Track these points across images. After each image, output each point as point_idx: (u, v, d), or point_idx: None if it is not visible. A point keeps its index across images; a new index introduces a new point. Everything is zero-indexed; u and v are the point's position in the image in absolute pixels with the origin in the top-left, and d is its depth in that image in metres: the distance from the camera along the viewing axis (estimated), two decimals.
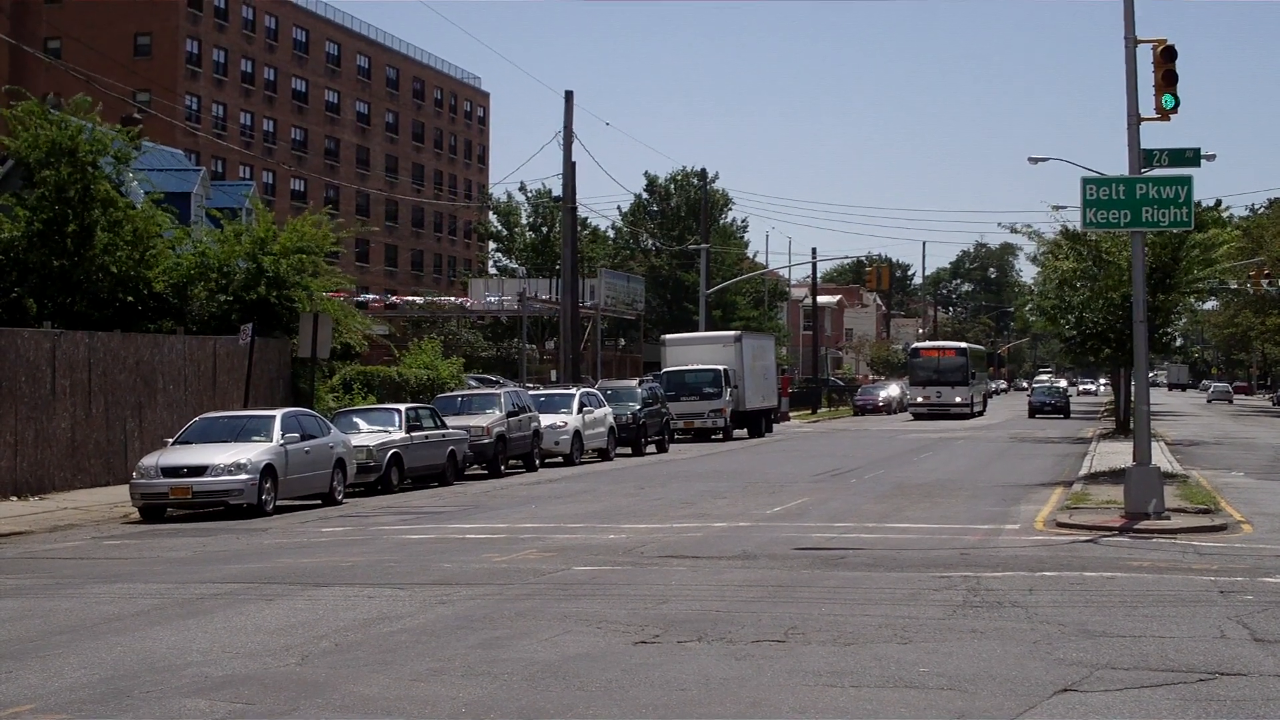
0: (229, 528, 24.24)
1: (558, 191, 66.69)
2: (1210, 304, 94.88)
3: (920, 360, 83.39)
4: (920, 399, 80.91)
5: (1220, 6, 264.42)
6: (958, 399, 79.91)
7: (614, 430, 44.04)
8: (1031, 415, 78.59)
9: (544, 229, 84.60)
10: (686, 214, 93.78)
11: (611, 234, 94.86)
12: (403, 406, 33.81)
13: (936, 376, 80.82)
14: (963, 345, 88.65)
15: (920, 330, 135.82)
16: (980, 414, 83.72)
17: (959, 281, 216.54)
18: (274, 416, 28.17)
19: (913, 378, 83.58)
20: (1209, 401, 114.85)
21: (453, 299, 79.72)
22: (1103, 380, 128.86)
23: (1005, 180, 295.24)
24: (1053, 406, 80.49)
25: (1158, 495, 22.93)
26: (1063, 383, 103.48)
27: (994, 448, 48.41)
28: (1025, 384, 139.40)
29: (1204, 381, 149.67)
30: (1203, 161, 25.01)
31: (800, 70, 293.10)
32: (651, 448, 47.36)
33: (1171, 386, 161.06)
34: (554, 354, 68.64)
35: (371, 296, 68.34)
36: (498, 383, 49.61)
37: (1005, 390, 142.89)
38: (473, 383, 48.08)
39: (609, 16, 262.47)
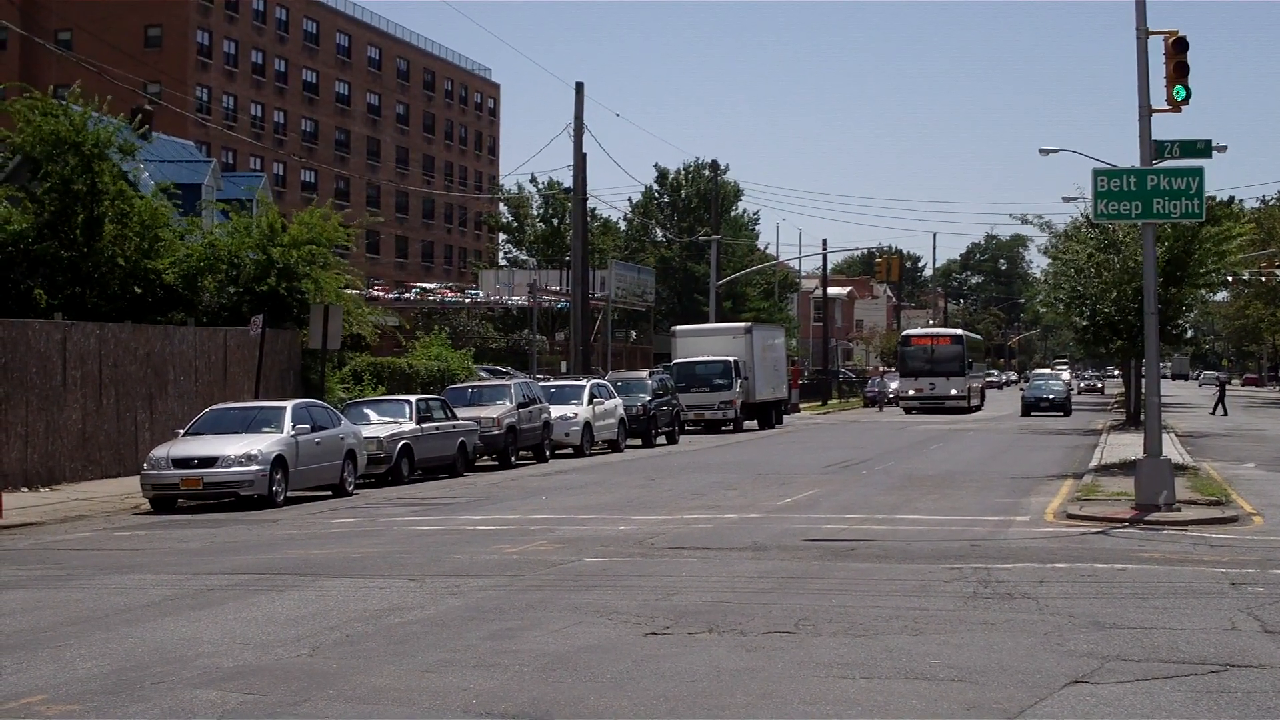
0: (239, 519, 24.27)
1: (568, 183, 66.70)
2: (1221, 295, 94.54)
3: (912, 349, 75.59)
4: (911, 391, 73.54)
5: None
6: (953, 391, 72.61)
7: (624, 421, 44.03)
8: (1025, 413, 69.22)
9: (554, 220, 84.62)
10: (697, 205, 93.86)
11: (622, 225, 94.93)
12: (413, 398, 33.78)
13: (929, 367, 73.46)
14: (958, 332, 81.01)
15: (931, 321, 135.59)
16: (978, 408, 77.11)
17: (969, 273, 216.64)
18: (285, 408, 28.16)
19: (903, 368, 75.81)
20: (1200, 387, 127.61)
21: (462, 289, 79.76)
22: (1114, 371, 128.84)
23: (1016, 172, 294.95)
24: (1050, 404, 70.21)
25: (1168, 487, 22.87)
26: (1066, 375, 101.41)
27: (1003, 439, 48.34)
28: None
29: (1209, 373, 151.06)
30: (1214, 153, 25.00)
31: (811, 62, 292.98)
32: (662, 439, 47.37)
33: (1175, 377, 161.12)
34: (564, 345, 68.61)
35: (380, 292, 68.28)
36: (508, 374, 49.58)
37: (1015, 382, 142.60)
38: (483, 374, 48.08)
39: (620, 7, 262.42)
